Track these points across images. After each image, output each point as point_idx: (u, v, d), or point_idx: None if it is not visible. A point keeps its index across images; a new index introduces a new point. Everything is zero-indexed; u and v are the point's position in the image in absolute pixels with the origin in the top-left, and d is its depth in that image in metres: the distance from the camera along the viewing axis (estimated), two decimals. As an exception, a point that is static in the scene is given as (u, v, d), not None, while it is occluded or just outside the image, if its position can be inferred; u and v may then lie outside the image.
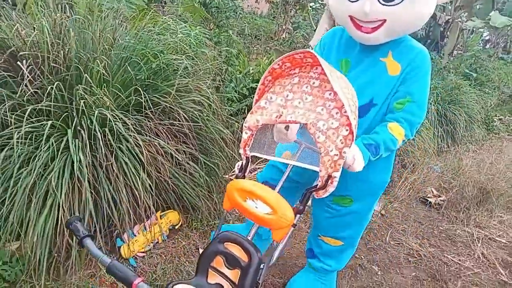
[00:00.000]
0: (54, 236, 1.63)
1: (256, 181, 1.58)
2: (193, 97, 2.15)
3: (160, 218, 2.08)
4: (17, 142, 1.59)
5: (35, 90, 1.75)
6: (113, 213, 1.77)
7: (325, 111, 1.25)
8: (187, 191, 2.14)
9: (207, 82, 2.27)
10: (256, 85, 3.16)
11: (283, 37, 7.23)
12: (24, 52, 1.74)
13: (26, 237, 1.58)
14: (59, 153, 1.67)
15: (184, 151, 2.11)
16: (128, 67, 1.93)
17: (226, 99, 2.63)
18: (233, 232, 1.15)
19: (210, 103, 2.29)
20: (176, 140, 2.10)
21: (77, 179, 1.67)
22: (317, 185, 1.22)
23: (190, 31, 2.45)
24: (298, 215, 1.22)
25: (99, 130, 1.72)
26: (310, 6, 7.55)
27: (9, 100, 1.71)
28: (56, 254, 1.66)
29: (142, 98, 1.87)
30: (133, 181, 1.79)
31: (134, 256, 1.90)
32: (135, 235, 1.93)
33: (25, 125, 1.60)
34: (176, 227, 2.17)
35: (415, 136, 3.55)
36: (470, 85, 5.95)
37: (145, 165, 1.80)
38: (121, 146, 1.81)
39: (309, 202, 1.33)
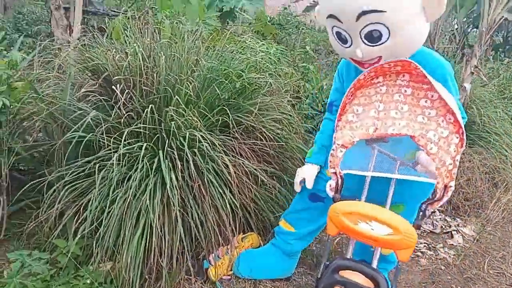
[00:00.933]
0: (145, 256, 1.65)
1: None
2: (274, 116, 2.11)
3: (242, 241, 2.04)
4: (113, 163, 1.64)
5: (128, 112, 1.80)
6: (200, 234, 1.76)
7: (429, 120, 1.20)
8: (268, 212, 2.09)
9: (286, 100, 2.23)
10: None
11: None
12: (119, 77, 1.81)
13: (120, 258, 1.61)
14: (152, 174, 1.69)
15: (265, 170, 2.07)
16: (215, 88, 1.94)
17: (303, 115, 2.57)
18: (347, 258, 1.10)
19: (290, 120, 2.24)
20: (258, 159, 2.07)
21: (166, 199, 1.68)
22: (430, 197, 1.20)
23: (267, 48, 2.43)
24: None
25: (188, 151, 1.73)
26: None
27: (105, 123, 1.78)
28: (147, 276, 1.67)
29: (227, 118, 1.86)
30: (220, 202, 1.77)
31: (219, 279, 1.86)
32: (219, 258, 1.90)
33: (122, 147, 1.64)
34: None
35: (507, 152, 3.25)
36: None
37: (232, 186, 1.78)
38: (207, 166, 1.80)
39: None
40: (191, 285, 1.80)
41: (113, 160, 1.58)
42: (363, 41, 1.30)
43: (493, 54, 6.20)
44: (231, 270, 1.92)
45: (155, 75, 1.87)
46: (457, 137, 1.13)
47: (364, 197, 1.36)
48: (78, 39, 2.62)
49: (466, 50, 4.03)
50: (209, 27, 2.80)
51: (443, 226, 2.80)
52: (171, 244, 1.68)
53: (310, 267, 2.10)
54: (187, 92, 1.87)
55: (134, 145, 1.70)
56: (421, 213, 1.17)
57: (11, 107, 1.77)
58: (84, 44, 2.16)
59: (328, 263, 1.20)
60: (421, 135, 1.18)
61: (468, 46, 5.45)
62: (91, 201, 1.59)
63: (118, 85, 1.79)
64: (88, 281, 1.55)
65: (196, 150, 1.75)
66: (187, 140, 1.71)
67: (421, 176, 1.26)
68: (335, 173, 1.28)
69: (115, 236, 1.63)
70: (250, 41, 2.36)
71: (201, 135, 1.75)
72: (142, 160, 1.68)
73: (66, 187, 1.67)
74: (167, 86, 1.87)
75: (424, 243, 2.52)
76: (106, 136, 1.73)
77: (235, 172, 1.81)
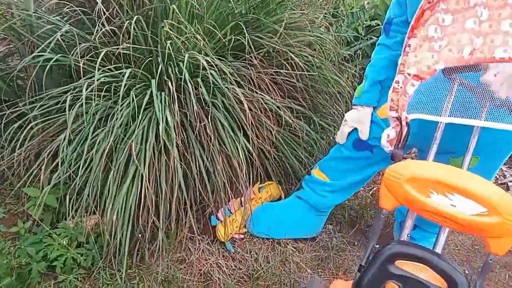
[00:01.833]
0: (137, 213, 1.32)
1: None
2: (306, 37, 1.64)
3: (259, 191, 1.68)
4: (91, 95, 1.25)
5: (112, 28, 1.38)
6: (206, 186, 1.41)
7: None
8: (292, 158, 1.70)
9: (321, 16, 1.73)
10: (373, 23, 2.52)
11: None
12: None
13: (105, 214, 1.28)
14: (142, 110, 1.30)
15: (289, 107, 1.65)
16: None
17: (341, 39, 2.07)
18: (410, 243, 0.73)
19: (323, 45, 1.77)
20: (281, 93, 1.64)
21: (163, 144, 1.30)
22: None
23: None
24: None
25: (189, 81, 1.32)
26: None
27: (84, 42, 1.37)
28: (139, 236, 1.36)
29: (243, 38, 1.41)
30: (231, 147, 1.39)
31: (230, 239, 1.55)
32: (231, 213, 1.57)
33: (99, 74, 1.24)
34: (278, 201, 1.77)
35: None
36: None
37: (247, 127, 1.39)
38: (216, 101, 1.40)
39: None
40: (195, 245, 1.49)
41: (86, 91, 1.19)
42: None
43: None
44: (244, 227, 1.59)
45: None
46: None
47: (434, 152, 0.94)
48: None
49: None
50: None
51: (498, 177, 2.42)
52: (169, 197, 1.34)
53: (341, 225, 1.76)
54: (190, 2, 1.40)
55: (116, 71, 1.29)
56: None
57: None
58: None
59: (378, 246, 0.83)
60: None
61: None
62: (62, 143, 1.24)
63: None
64: (65, 241, 1.25)
65: (199, 80, 1.33)
66: (187, 66, 1.29)
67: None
68: (397, 118, 0.85)
69: (98, 189, 1.30)
70: None
71: (206, 60, 1.32)
72: (129, 92, 1.28)
73: (37, 123, 1.32)
74: (163, -6, 1.41)
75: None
76: (87, 60, 1.32)
77: (250, 110, 1.40)
